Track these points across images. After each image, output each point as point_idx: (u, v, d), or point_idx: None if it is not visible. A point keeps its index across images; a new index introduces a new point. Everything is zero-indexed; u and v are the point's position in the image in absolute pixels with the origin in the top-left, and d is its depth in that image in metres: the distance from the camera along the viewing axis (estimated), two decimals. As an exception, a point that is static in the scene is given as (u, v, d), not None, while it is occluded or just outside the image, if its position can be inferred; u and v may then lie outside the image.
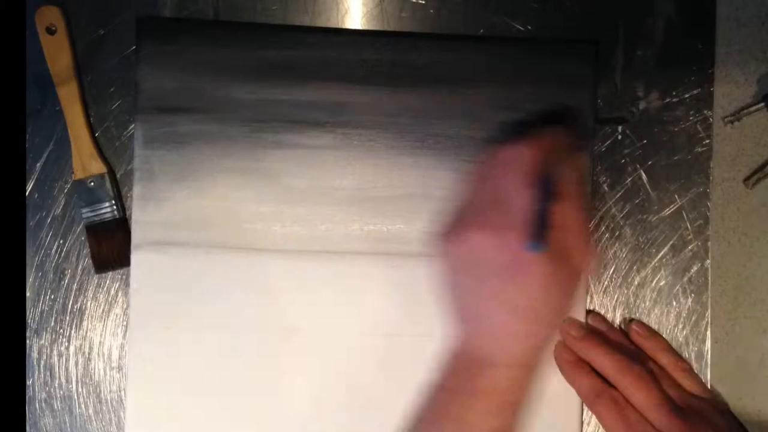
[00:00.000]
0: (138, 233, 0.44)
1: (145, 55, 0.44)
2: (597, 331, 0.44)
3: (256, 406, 0.44)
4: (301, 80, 0.44)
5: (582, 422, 0.44)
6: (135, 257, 0.44)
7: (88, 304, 0.45)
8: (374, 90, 0.45)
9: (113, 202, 0.44)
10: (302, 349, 0.44)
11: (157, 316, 0.44)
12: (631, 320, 0.45)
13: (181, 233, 0.44)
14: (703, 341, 0.45)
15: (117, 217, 0.44)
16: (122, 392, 0.44)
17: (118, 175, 0.45)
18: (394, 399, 0.42)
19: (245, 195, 0.44)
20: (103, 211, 0.44)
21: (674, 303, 0.45)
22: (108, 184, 0.44)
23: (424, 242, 0.44)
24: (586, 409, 0.44)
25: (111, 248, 0.44)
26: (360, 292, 0.44)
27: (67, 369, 0.45)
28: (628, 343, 0.44)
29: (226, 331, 0.44)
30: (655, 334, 0.45)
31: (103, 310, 0.45)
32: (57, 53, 0.44)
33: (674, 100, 0.46)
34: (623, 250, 0.46)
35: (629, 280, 0.46)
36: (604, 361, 0.42)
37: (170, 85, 0.44)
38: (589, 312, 0.45)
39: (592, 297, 0.45)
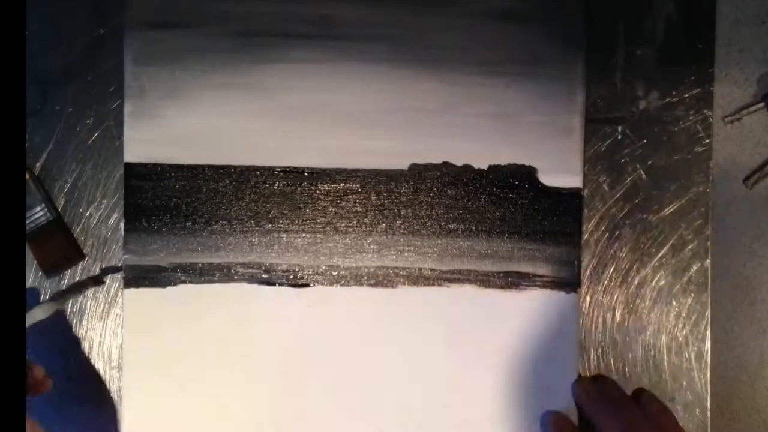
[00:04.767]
0: (130, 151, 0.44)
1: None
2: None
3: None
4: None
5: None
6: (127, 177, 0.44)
7: (88, 304, 0.45)
8: (362, 1, 0.45)
9: (43, 204, 0.44)
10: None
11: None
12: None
13: (173, 150, 0.44)
14: (703, 341, 0.45)
15: (51, 218, 0.44)
16: (122, 392, 0.44)
17: (117, 174, 0.45)
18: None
19: (237, 110, 0.44)
20: (36, 216, 0.44)
21: (674, 303, 0.45)
22: (34, 188, 0.44)
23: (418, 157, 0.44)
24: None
25: (55, 250, 0.44)
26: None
27: (67, 369, 0.45)
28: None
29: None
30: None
31: (103, 310, 0.45)
32: None
33: (674, 100, 0.46)
34: (623, 249, 0.46)
35: (629, 279, 0.46)
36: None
37: (158, 1, 0.44)
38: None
39: (592, 297, 0.45)
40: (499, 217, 0.45)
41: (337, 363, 0.44)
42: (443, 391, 0.44)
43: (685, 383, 0.45)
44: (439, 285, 0.45)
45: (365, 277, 0.45)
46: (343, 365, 0.44)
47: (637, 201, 0.46)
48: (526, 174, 0.45)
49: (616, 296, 0.46)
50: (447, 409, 0.44)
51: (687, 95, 0.46)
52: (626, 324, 0.45)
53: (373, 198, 0.45)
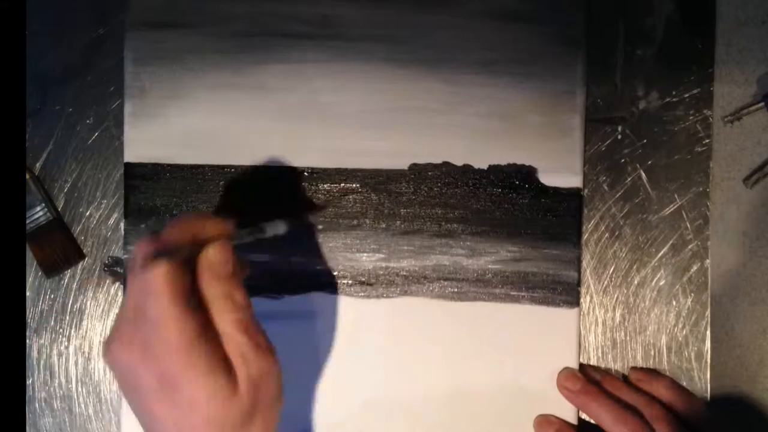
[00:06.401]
0: (130, 151, 0.44)
1: None
2: (593, 380, 0.44)
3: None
4: None
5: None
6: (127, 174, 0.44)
7: (88, 303, 0.45)
8: (362, 1, 0.45)
9: (44, 204, 0.44)
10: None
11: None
12: (632, 368, 0.45)
13: (173, 150, 0.44)
14: (703, 341, 0.45)
15: (51, 218, 0.44)
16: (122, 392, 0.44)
17: (117, 174, 0.45)
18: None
19: (237, 110, 0.44)
20: (36, 216, 0.44)
21: (674, 303, 0.45)
22: (34, 188, 0.44)
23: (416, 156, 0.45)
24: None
25: (54, 250, 0.44)
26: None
27: (66, 369, 0.45)
28: (626, 391, 0.44)
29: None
30: (656, 375, 0.44)
31: (103, 309, 0.45)
32: None
33: (674, 99, 0.46)
34: (623, 249, 0.46)
35: (629, 279, 0.46)
36: (601, 413, 0.42)
37: (159, 1, 0.44)
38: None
39: (592, 297, 0.45)
40: (499, 217, 0.45)
41: (336, 363, 0.44)
42: (444, 392, 0.44)
43: (685, 383, 0.45)
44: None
45: (365, 277, 0.45)
46: (340, 365, 0.44)
47: (637, 201, 0.46)
48: (526, 174, 0.45)
49: (616, 296, 0.46)
50: (448, 409, 0.44)
51: (687, 95, 0.46)
52: (626, 324, 0.45)
53: (373, 198, 0.45)
